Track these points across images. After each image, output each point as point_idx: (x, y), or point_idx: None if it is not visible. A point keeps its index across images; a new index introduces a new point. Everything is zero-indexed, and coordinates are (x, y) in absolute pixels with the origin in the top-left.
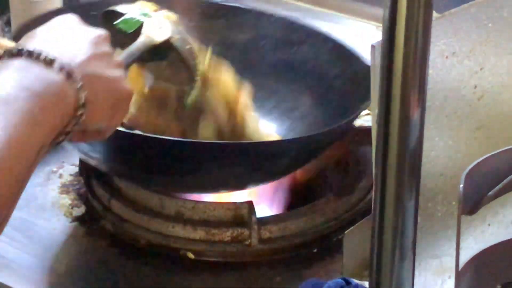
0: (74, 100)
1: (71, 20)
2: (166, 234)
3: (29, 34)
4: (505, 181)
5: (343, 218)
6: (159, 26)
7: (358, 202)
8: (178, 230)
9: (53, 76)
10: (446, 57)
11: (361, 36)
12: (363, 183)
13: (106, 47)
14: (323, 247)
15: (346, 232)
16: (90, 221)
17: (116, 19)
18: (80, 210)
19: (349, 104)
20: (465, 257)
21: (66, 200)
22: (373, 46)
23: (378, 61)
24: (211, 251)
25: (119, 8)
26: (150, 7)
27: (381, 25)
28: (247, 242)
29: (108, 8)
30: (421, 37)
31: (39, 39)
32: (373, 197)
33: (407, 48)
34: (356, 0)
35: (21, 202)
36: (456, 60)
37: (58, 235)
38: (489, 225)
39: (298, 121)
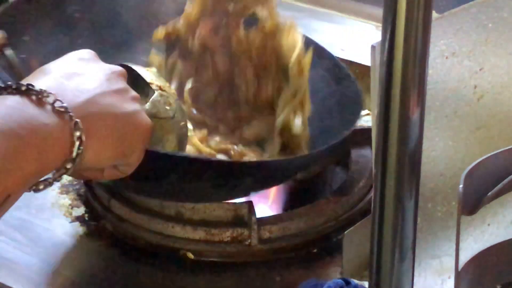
0: (69, 141)
1: (86, 56)
2: (166, 234)
3: (42, 68)
4: (505, 181)
5: (343, 218)
6: (167, 103)
7: (358, 202)
8: (178, 230)
9: (44, 118)
10: (446, 57)
11: (361, 36)
12: (363, 183)
13: (120, 83)
14: (323, 247)
15: (346, 232)
16: (90, 221)
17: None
18: (80, 210)
19: (336, 125)
20: (465, 257)
21: (66, 200)
22: (373, 46)
23: (378, 61)
24: (211, 251)
25: (136, 68)
26: (163, 82)
27: (381, 25)
28: (247, 242)
29: (123, 63)
30: (421, 37)
31: (47, 77)
32: (373, 197)
33: (407, 48)
34: (356, 0)
35: (21, 202)
36: (456, 60)
37: (58, 235)
38: (489, 225)
39: None
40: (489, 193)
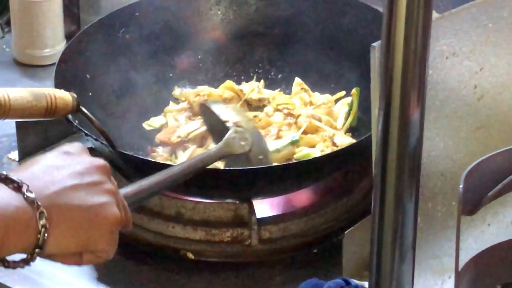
0: (35, 228)
1: (73, 150)
2: (166, 234)
3: (30, 160)
4: (505, 181)
5: (343, 218)
6: (243, 139)
7: (358, 202)
8: (178, 230)
9: (17, 202)
10: (446, 58)
11: None
12: (363, 183)
13: (95, 176)
14: (323, 247)
15: (346, 232)
16: None
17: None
18: None
19: None
20: (465, 257)
21: None
22: (373, 46)
23: (378, 61)
24: (211, 251)
25: (214, 107)
26: (243, 116)
27: None
28: (247, 242)
29: (205, 103)
30: (421, 37)
31: (28, 168)
32: (373, 197)
33: (407, 48)
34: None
35: None
36: (456, 60)
37: None
38: (489, 225)
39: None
40: (489, 193)
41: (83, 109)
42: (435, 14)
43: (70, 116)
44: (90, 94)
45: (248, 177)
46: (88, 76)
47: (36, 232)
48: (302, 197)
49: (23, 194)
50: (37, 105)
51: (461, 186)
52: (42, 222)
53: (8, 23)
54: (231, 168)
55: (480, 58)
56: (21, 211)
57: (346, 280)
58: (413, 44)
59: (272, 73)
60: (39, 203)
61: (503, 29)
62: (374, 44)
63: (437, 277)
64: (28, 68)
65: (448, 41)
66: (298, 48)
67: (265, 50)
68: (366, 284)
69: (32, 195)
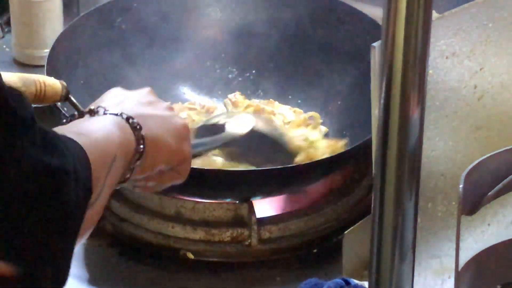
0: (135, 137)
1: (119, 90)
2: (166, 234)
3: (100, 99)
4: (505, 181)
5: (343, 218)
6: (242, 121)
7: (358, 202)
8: (178, 230)
9: (120, 121)
10: (446, 57)
11: None
12: (363, 183)
13: (151, 97)
14: (323, 247)
15: (346, 232)
16: None
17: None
18: None
19: None
20: (465, 257)
21: None
22: (373, 46)
23: (378, 61)
24: (211, 251)
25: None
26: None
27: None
28: (247, 242)
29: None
30: (421, 37)
31: (108, 103)
32: (373, 197)
33: (407, 48)
34: (356, 0)
35: None
36: (456, 60)
37: None
38: (489, 225)
39: (339, 102)
40: (489, 193)
41: (72, 98)
42: (435, 14)
43: (59, 104)
44: (82, 82)
45: (248, 177)
46: (80, 63)
47: (135, 143)
48: (302, 197)
49: (134, 128)
50: (26, 91)
51: (461, 186)
52: (141, 132)
53: (8, 23)
54: (231, 168)
55: (480, 58)
56: (122, 126)
57: (346, 280)
58: (413, 44)
59: (271, 73)
60: (134, 120)
61: (503, 29)
62: (374, 44)
63: (437, 277)
64: (28, 68)
65: (448, 41)
66: (298, 49)
67: (264, 50)
68: (366, 284)
69: (141, 132)
